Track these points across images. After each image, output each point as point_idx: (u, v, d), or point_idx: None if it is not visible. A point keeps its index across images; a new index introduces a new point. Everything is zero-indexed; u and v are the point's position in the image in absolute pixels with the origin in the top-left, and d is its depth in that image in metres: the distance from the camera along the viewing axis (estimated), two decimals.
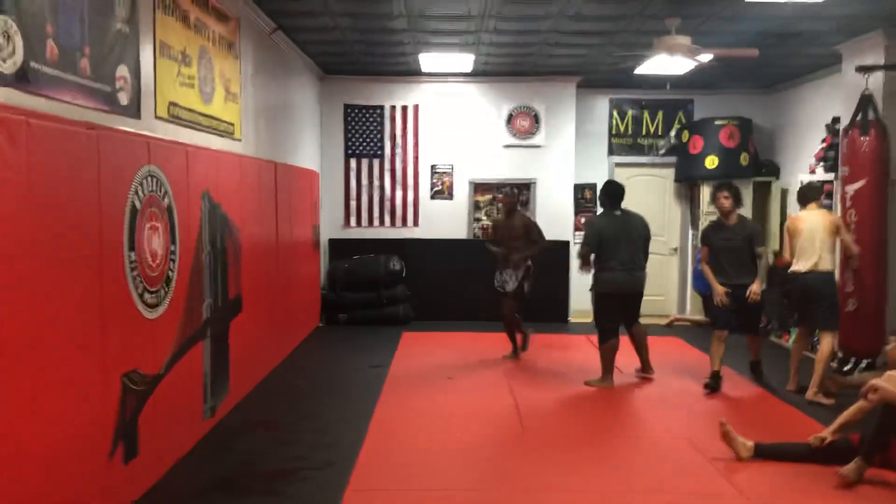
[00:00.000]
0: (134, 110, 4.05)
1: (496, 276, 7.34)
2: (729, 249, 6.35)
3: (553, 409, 5.77)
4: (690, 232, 10.33)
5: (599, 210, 7.03)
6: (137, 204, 3.84)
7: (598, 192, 6.94)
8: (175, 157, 4.40)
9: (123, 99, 3.91)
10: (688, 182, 10.25)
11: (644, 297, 6.71)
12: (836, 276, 6.55)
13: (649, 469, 4.54)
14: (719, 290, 6.27)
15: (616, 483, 4.30)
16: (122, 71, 3.88)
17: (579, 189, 10.14)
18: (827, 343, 6.10)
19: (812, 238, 6.15)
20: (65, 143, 3.20)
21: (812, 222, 6.21)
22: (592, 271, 6.52)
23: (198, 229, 4.79)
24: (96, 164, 3.45)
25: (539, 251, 7.25)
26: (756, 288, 6.26)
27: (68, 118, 3.29)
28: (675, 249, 10.49)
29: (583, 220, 6.91)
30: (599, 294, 6.48)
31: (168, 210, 4.27)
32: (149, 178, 3.98)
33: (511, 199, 7.45)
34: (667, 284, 10.45)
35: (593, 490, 4.18)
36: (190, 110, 4.93)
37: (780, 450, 4.64)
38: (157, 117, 4.39)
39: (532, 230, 7.29)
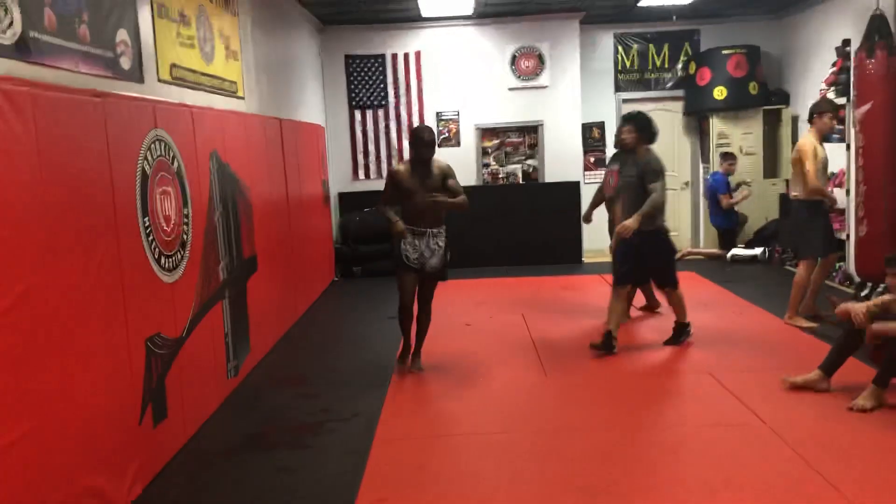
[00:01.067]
0: (136, 74, 4.01)
1: (403, 245, 5.33)
2: (627, 188, 5.71)
3: (573, 351, 5.80)
4: (701, 165, 10.26)
5: (612, 150, 6.87)
6: (147, 169, 3.83)
7: (619, 131, 6.31)
8: (181, 120, 4.37)
9: (125, 63, 3.87)
10: (697, 115, 10.14)
11: None
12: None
13: (672, 403, 4.60)
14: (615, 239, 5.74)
15: (639, 418, 4.35)
16: (122, 35, 3.83)
17: (587, 129, 10.04)
18: (800, 269, 6.16)
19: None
20: (71, 112, 3.18)
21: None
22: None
23: (209, 191, 4.79)
24: (104, 132, 3.43)
25: (462, 210, 5.27)
26: (630, 223, 5.45)
27: (73, 87, 3.26)
28: (687, 183, 10.43)
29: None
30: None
31: (178, 173, 4.26)
32: (157, 143, 3.96)
33: (428, 140, 5.19)
34: (679, 219, 10.41)
35: (618, 426, 4.23)
36: (192, 71, 4.88)
37: (837, 353, 4.59)
38: (159, 80, 4.35)
39: (451, 181, 5.25)
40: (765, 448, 3.84)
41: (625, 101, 10.21)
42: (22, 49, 2.97)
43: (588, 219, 6.92)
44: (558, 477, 3.62)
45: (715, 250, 9.45)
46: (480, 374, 5.35)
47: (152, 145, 3.90)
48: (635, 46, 10.18)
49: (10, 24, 2.89)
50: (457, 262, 9.34)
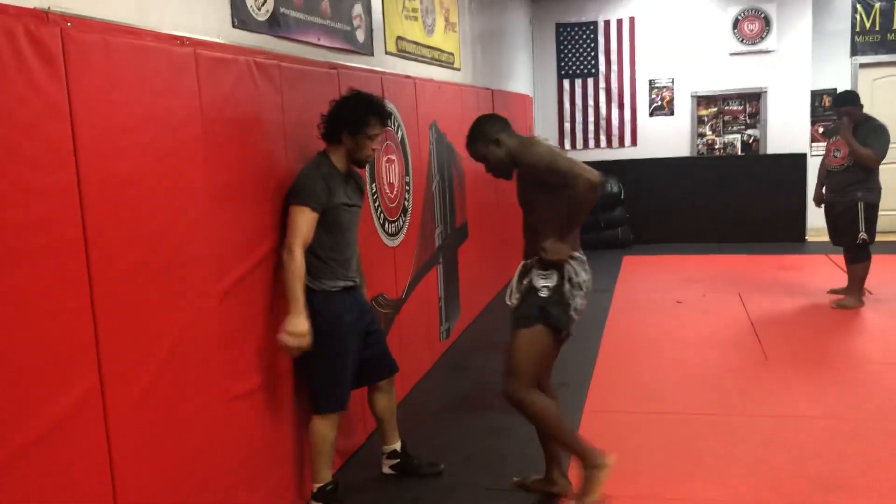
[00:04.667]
0: (368, 47, 4.21)
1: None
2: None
3: (797, 334, 5.43)
4: None
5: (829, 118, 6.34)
6: None
7: (842, 100, 6.07)
8: (405, 91, 4.54)
9: (360, 37, 4.07)
10: None
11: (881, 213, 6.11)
12: None
13: None
14: None
15: (873, 410, 3.99)
16: (357, 10, 4.02)
17: (816, 96, 9.25)
18: None
19: None
20: (311, 82, 3.39)
21: None
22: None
23: (427, 160, 4.95)
24: None
25: (585, 199, 2.96)
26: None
27: (313, 59, 3.47)
28: None
29: (876, 124, 5.82)
30: (875, 205, 5.88)
31: (401, 142, 4.43)
32: None
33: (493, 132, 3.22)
34: None
35: (848, 418, 3.91)
36: (415, 43, 5.04)
37: None
38: (387, 52, 4.53)
39: (551, 167, 3.00)
40: None
41: (862, 65, 9.28)
42: (273, 24, 3.20)
43: (820, 199, 6.34)
44: (784, 464, 3.42)
45: None
46: (693, 351, 5.15)
47: None
48: (877, 4, 9.19)
49: (265, 1, 3.12)
50: (662, 237, 9.15)
